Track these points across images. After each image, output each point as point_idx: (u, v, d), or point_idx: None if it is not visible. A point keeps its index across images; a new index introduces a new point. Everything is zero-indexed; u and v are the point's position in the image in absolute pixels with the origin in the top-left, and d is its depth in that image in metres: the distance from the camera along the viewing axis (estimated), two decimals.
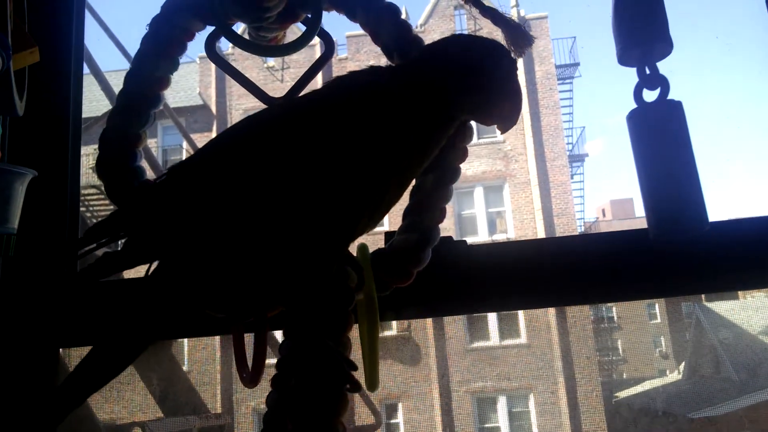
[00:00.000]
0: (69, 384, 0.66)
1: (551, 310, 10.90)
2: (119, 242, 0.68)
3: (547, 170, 12.73)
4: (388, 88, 0.67)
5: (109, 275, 0.65)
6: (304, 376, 0.63)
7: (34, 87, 0.99)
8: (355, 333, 0.79)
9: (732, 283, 0.95)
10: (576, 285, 0.96)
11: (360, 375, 0.71)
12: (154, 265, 0.71)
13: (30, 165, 0.92)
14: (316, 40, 0.93)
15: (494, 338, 11.66)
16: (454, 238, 0.97)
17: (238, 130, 0.69)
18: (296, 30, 0.93)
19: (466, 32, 13.78)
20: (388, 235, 0.94)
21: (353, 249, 0.81)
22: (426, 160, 0.73)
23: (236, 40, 0.82)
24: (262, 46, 0.84)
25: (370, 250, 0.85)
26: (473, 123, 0.87)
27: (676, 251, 0.89)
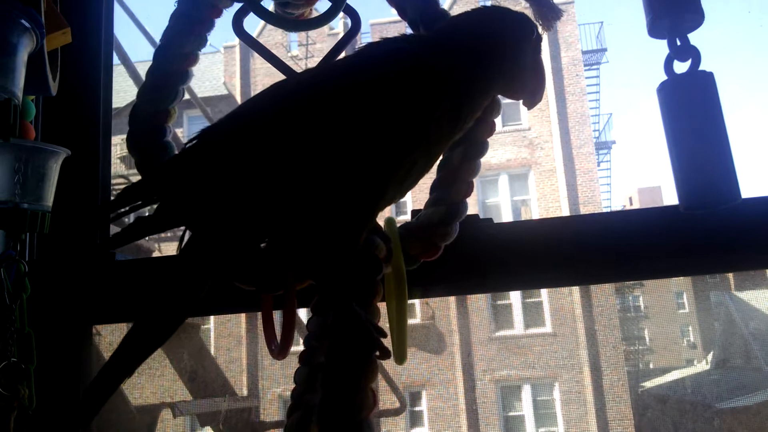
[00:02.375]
0: (111, 364, 0.67)
1: (577, 299, 10.82)
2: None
3: (573, 158, 12.58)
4: (420, 57, 0.67)
5: (140, 238, 0.66)
6: (335, 343, 0.64)
7: (66, 68, 1.01)
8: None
9: (763, 262, 0.93)
10: (603, 263, 0.95)
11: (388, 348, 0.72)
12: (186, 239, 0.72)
13: (62, 144, 0.94)
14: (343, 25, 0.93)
15: (519, 327, 11.61)
16: (476, 216, 0.97)
17: (268, 97, 0.69)
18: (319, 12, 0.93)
19: None
20: (415, 212, 0.94)
21: (381, 223, 0.81)
22: (458, 132, 0.73)
23: (264, 15, 0.82)
24: (289, 20, 0.84)
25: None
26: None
27: (706, 228, 0.88)
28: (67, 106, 1.07)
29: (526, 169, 12.68)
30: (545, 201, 12.61)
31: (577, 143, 12.62)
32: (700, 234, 0.88)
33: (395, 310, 0.76)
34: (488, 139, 0.84)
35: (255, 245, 0.67)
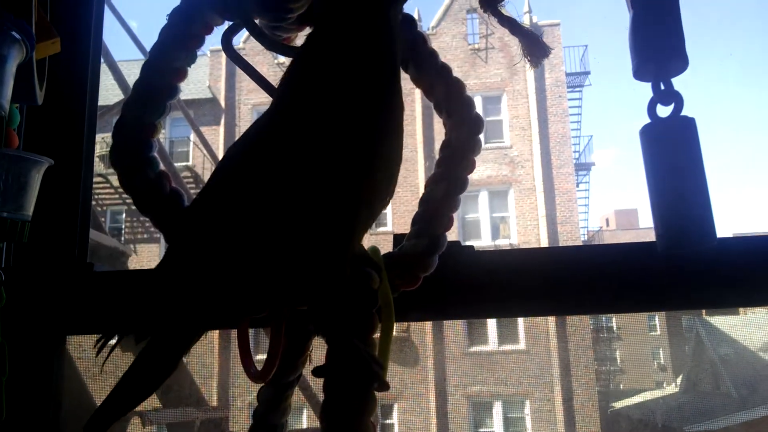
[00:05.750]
0: (105, 405, 0.65)
1: (551, 318, 10.91)
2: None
3: (553, 177, 12.74)
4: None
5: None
6: (335, 379, 0.64)
7: (52, 76, 1.00)
8: None
9: (737, 300, 0.95)
10: (581, 295, 0.96)
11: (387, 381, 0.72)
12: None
13: (45, 153, 0.93)
14: None
15: (493, 343, 11.67)
16: (458, 243, 0.98)
17: (237, 148, 0.70)
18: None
19: (477, 36, 13.80)
20: (397, 237, 0.94)
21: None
22: (399, 126, 0.72)
23: (259, 36, 0.82)
24: (287, 46, 0.84)
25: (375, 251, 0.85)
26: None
27: (683, 265, 0.89)
28: (52, 115, 1.06)
29: (507, 186, 12.80)
30: (524, 219, 12.73)
31: (558, 163, 12.78)
32: (675, 272, 0.90)
33: (380, 338, 0.76)
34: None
35: (236, 273, 0.66)
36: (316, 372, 0.67)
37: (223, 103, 13.32)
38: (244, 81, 13.02)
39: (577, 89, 13.93)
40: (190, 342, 0.66)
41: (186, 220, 0.69)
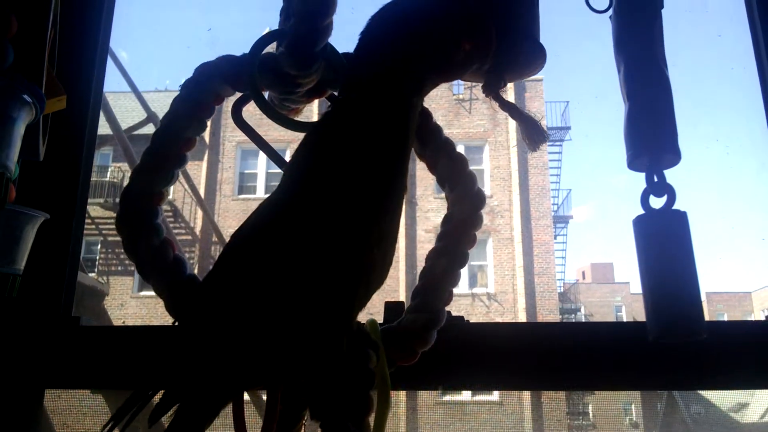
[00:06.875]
0: None
1: None
2: None
3: (532, 229, 12.87)
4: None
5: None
6: None
7: (52, 130, 1.00)
8: None
9: (724, 383, 0.97)
10: (561, 372, 0.97)
11: None
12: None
13: (38, 205, 0.92)
14: None
15: (466, 393, 11.56)
16: (449, 313, 0.98)
17: (249, 224, 0.71)
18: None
19: (462, 87, 14.06)
20: (388, 304, 0.95)
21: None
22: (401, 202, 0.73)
23: (267, 109, 0.84)
24: (294, 121, 0.86)
25: (363, 318, 0.85)
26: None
27: (672, 348, 0.91)
28: (47, 168, 1.06)
29: (486, 235, 12.89)
30: (501, 268, 12.78)
31: (536, 215, 12.94)
32: (662, 356, 0.92)
33: (375, 418, 0.75)
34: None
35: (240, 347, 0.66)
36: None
37: (207, 139, 13.33)
38: (228, 120, 13.08)
39: (558, 143, 14.22)
40: (209, 413, 0.65)
41: (197, 297, 0.68)
